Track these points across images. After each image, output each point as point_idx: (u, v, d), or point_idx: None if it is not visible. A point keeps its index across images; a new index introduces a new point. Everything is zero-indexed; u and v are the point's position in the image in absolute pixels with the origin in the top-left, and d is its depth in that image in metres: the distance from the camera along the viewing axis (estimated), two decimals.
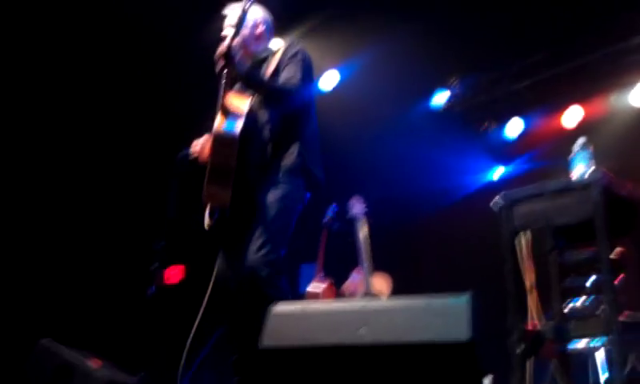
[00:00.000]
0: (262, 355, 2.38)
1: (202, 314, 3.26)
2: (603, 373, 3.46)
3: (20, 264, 5.14)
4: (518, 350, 3.05)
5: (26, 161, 5.36)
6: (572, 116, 6.49)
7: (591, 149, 3.34)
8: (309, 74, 3.45)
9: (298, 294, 5.29)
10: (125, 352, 4.15)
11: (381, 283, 5.20)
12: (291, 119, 3.38)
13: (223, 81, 3.25)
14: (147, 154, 5.78)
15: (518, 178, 6.62)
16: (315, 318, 2.37)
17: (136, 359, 4.31)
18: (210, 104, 3.47)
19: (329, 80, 6.74)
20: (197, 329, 3.27)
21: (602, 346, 3.33)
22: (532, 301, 3.27)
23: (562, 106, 6.56)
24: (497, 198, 3.41)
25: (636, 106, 6.10)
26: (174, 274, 5.39)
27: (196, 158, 3.51)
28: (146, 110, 5.89)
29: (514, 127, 6.90)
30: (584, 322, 3.22)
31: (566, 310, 3.36)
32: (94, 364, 2.99)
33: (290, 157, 3.34)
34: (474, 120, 7.10)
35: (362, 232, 5.26)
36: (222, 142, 3.20)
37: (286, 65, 3.39)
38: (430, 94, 7.04)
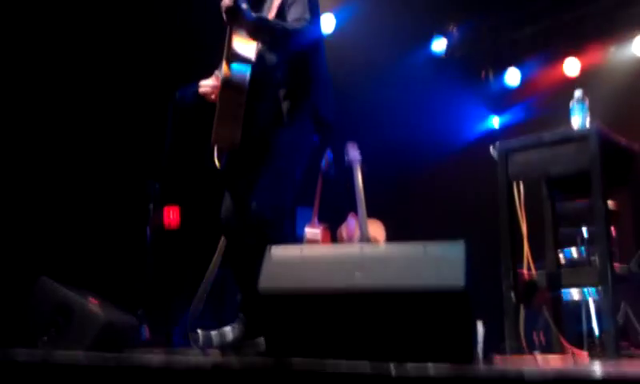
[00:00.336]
0: (260, 298, 2.41)
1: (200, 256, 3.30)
2: (593, 322, 3.54)
3: (19, 204, 5.14)
4: (512, 296, 3.11)
5: (23, 103, 5.31)
6: (571, 66, 6.47)
7: (587, 101, 3.33)
8: (316, 11, 3.34)
9: (295, 236, 5.34)
10: (123, 291, 4.21)
11: (375, 229, 5.25)
12: (301, 60, 3.30)
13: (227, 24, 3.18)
14: (145, 92, 5.72)
15: (517, 127, 6.62)
16: (312, 261, 2.40)
17: (134, 298, 4.38)
18: (211, 39, 3.41)
19: (325, 24, 6.64)
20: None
21: (594, 295, 3.39)
22: (526, 250, 3.31)
23: (562, 56, 6.53)
24: (495, 146, 3.42)
25: (637, 55, 6.08)
26: (171, 218, 5.40)
27: (203, 97, 3.46)
28: (144, 48, 5.80)
29: (514, 76, 6.87)
30: (577, 272, 3.28)
31: (559, 259, 3.42)
32: (92, 302, 3.03)
33: (301, 99, 3.28)
34: (472, 68, 7.05)
35: (358, 178, 5.28)
36: (231, 87, 3.16)
37: (292, 3, 3.28)
38: (428, 40, 6.97)
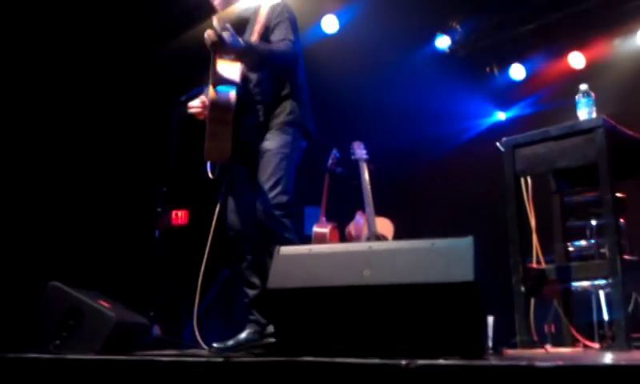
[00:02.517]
0: (269, 295, 2.43)
1: (208, 257, 3.36)
2: (604, 313, 3.53)
3: (30, 210, 5.19)
4: (521, 289, 3.11)
5: (33, 107, 5.35)
6: (576, 60, 6.46)
7: (593, 95, 3.34)
8: (296, 31, 3.52)
9: (303, 235, 5.35)
10: (133, 293, 4.24)
11: (383, 227, 5.26)
12: (281, 78, 3.48)
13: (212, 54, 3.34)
14: (151, 98, 5.76)
15: (523, 122, 6.62)
16: (321, 259, 2.41)
17: (144, 300, 4.41)
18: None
19: (329, 24, 6.66)
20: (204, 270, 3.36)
21: (604, 287, 3.38)
22: (534, 243, 3.31)
23: (566, 50, 6.52)
24: (502, 140, 3.43)
25: None
26: (180, 218, 5.44)
27: (194, 115, 3.63)
28: (149, 54, 5.84)
29: (519, 71, 6.87)
30: (586, 264, 3.27)
31: (568, 251, 3.42)
32: (103, 304, 3.04)
33: (283, 114, 3.44)
34: (477, 64, 7.04)
35: (365, 176, 5.29)
36: (217, 108, 3.32)
37: (276, 24, 3.47)
38: (431, 38, 6.97)
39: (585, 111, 3.32)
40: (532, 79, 6.82)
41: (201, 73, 3.84)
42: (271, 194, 3.28)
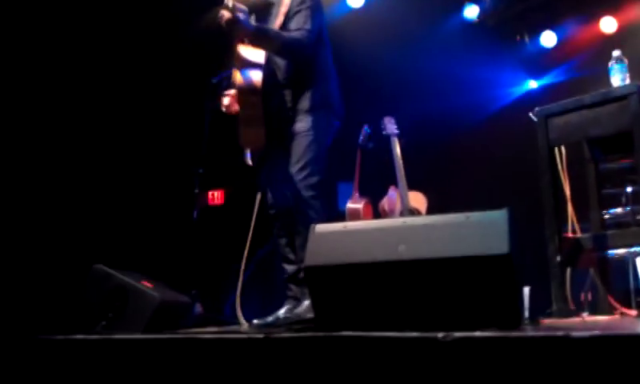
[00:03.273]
0: (307, 273, 2.47)
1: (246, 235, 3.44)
2: None
3: (73, 195, 5.31)
4: (557, 259, 3.11)
5: (74, 92, 5.46)
6: (608, 25, 6.34)
7: (626, 61, 3.29)
8: (319, 16, 3.53)
9: (337, 211, 5.39)
10: (175, 272, 4.34)
11: (417, 201, 5.25)
12: (306, 62, 3.48)
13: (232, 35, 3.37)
14: (182, 82, 5.82)
15: (555, 90, 6.52)
16: (356, 236, 2.44)
17: (186, 279, 4.51)
18: None
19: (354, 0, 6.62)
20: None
21: None
22: (570, 212, 3.31)
23: (597, 15, 6.39)
24: (535, 110, 3.41)
25: None
26: (216, 195, 5.53)
27: (225, 111, 3.69)
28: (181, 38, 5.89)
29: (550, 38, 6.76)
30: (622, 232, 3.26)
31: (604, 220, 3.40)
32: (146, 284, 3.13)
33: (310, 97, 3.46)
34: (507, 32, 6.95)
35: (397, 151, 5.29)
36: (244, 92, 3.37)
37: (296, 12, 3.46)
38: (460, 8, 6.89)
39: (618, 77, 3.29)
40: (563, 46, 6.71)
41: (232, 52, 3.87)
42: (300, 176, 3.32)
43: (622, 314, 3.19)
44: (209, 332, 2.75)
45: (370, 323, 2.21)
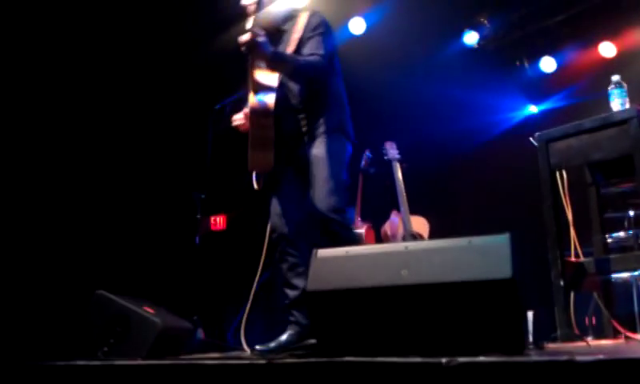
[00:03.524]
0: (309, 298, 2.47)
1: (246, 261, 3.43)
2: None
3: (73, 220, 5.32)
4: (561, 284, 3.10)
5: (75, 114, 5.48)
6: (607, 50, 6.38)
7: (625, 86, 3.32)
8: (331, 43, 3.59)
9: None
10: (177, 298, 4.33)
11: (419, 226, 5.26)
12: (320, 86, 3.54)
13: (249, 59, 3.40)
14: (187, 108, 5.86)
15: (555, 115, 6.55)
16: (358, 260, 2.43)
17: (188, 303, 4.49)
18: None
19: (357, 26, 6.69)
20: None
21: None
22: (572, 236, 3.30)
23: (596, 41, 6.44)
24: (535, 135, 3.43)
25: None
26: (218, 223, 5.53)
27: (237, 127, 3.70)
28: (183, 63, 5.93)
29: (549, 63, 6.81)
30: (625, 256, 3.25)
31: (606, 243, 3.40)
32: (148, 310, 3.12)
33: (326, 122, 3.51)
34: (506, 58, 7.00)
35: (398, 175, 5.30)
36: (258, 114, 3.38)
37: (309, 38, 3.53)
38: (460, 33, 6.94)
39: (618, 102, 3.31)
40: (563, 71, 6.76)
41: (235, 79, 3.91)
42: (328, 200, 3.34)
43: (626, 337, 3.17)
44: (211, 358, 2.73)
45: (372, 348, 2.20)
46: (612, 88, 3.33)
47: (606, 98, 3.36)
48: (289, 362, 2.17)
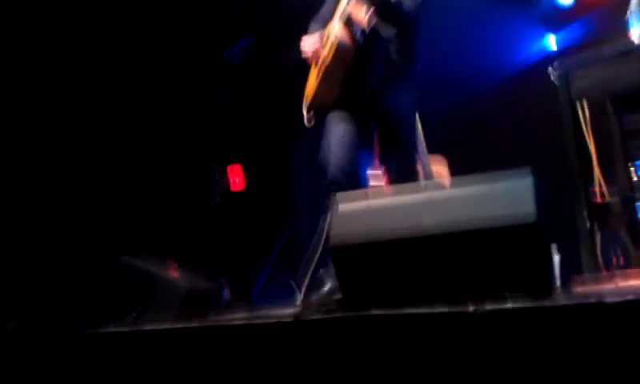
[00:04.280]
0: (332, 252, 2.46)
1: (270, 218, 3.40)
2: None
3: (97, 186, 5.35)
4: (586, 221, 3.06)
5: (90, 85, 5.47)
6: None
7: None
8: None
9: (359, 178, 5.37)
10: (201, 259, 4.35)
11: (438, 165, 5.20)
12: (411, 35, 3.50)
13: None
14: (194, 57, 5.80)
15: (573, 48, 6.38)
16: (380, 212, 2.41)
17: (213, 264, 4.52)
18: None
19: None
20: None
21: None
22: (596, 170, 3.25)
23: None
24: (553, 66, 3.34)
25: None
26: (237, 180, 5.51)
27: (301, 55, 3.58)
28: (189, 13, 5.85)
29: None
30: None
31: (631, 176, 3.34)
32: (173, 272, 3.14)
33: (409, 75, 3.52)
34: None
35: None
36: (342, 50, 3.28)
37: None
38: None
39: (638, 28, 3.19)
40: (581, 1, 6.54)
41: (241, 27, 3.79)
42: (409, 156, 3.48)
43: None
44: (238, 316, 2.76)
45: (399, 300, 2.19)
46: (631, 12, 3.21)
47: (626, 30, 3.25)
48: (315, 318, 2.18)
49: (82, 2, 5.32)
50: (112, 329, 2.61)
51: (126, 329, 2.60)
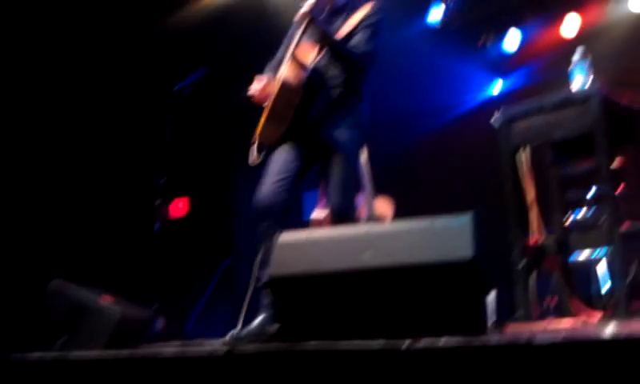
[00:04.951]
0: (271, 284, 2.43)
1: (207, 249, 3.35)
2: (604, 283, 3.53)
3: (29, 209, 5.21)
4: (521, 264, 3.11)
5: (29, 105, 5.36)
6: (570, 25, 6.37)
7: (590, 58, 3.31)
8: (379, 35, 3.52)
9: (303, 222, 5.34)
10: (136, 287, 4.25)
11: (383, 207, 5.23)
12: (358, 79, 3.52)
13: (299, 31, 3.35)
14: (144, 89, 5.75)
15: (518, 93, 6.56)
16: (320, 245, 2.40)
17: (147, 293, 4.42)
18: (202, 36, 3.45)
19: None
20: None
21: (604, 256, 3.38)
22: (533, 216, 3.31)
23: (561, 16, 6.44)
24: (496, 114, 3.41)
25: (635, 11, 5.98)
26: (178, 208, 5.44)
27: (251, 96, 3.60)
28: (141, 47, 5.82)
29: (513, 39, 6.79)
30: (585, 234, 3.27)
31: (567, 223, 3.41)
32: (105, 300, 3.06)
33: (353, 113, 3.50)
34: (471, 35, 6.98)
35: (362, 157, 5.26)
36: (288, 90, 3.32)
37: (362, 28, 3.47)
38: (424, 11, 6.90)
39: (580, 78, 3.29)
40: (528, 47, 6.75)
41: (191, 59, 3.80)
42: (349, 194, 3.40)
43: (585, 316, 3.19)
44: (170, 348, 2.68)
45: (336, 333, 2.17)
46: (576, 61, 3.32)
47: (568, 77, 3.35)
48: (249, 350, 2.14)
49: (36, 24, 5.25)
50: (38, 356, 2.51)
51: (51, 356, 2.50)
